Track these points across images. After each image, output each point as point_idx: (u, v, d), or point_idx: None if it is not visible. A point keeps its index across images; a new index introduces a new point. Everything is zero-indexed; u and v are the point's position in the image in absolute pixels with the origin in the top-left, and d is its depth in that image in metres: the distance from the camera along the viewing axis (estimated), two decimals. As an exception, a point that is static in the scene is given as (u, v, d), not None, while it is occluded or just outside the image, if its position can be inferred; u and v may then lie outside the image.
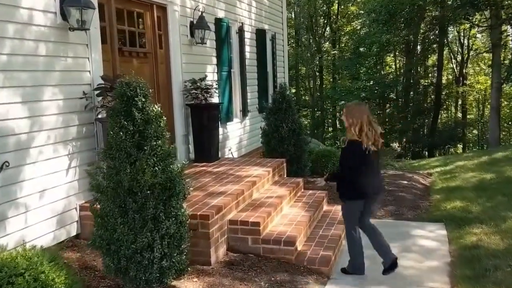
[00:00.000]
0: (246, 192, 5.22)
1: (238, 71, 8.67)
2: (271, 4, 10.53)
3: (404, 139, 24.18)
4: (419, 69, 25.66)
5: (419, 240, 5.43)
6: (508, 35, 22.23)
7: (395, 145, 22.21)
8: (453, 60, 27.45)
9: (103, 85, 4.77)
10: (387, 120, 25.91)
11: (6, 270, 2.79)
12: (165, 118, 3.63)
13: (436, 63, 24.82)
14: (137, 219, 3.38)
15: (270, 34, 10.37)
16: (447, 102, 27.45)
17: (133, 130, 3.41)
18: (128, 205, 3.39)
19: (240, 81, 8.72)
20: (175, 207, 3.51)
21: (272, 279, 4.10)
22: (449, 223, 5.86)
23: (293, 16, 27.53)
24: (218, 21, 7.71)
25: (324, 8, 28.47)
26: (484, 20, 20.00)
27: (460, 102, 27.92)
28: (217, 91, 7.37)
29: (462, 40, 26.71)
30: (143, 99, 3.48)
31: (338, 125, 27.93)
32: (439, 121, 25.17)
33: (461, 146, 26.02)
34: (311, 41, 28.55)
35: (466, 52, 26.69)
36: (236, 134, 8.51)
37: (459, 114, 27.90)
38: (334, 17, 28.72)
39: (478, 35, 26.48)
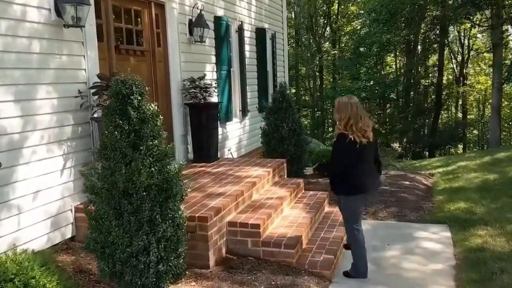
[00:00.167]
0: (245, 193, 5.10)
1: (237, 70, 8.56)
2: (271, 3, 10.41)
3: (405, 139, 24.05)
4: (419, 69, 25.53)
5: (423, 242, 5.31)
6: (509, 34, 22.11)
7: (396, 145, 22.08)
8: (453, 60, 27.34)
9: (99, 84, 4.65)
10: (387, 120, 25.81)
11: (-5, 275, 2.68)
12: (162, 117, 3.50)
13: (437, 63, 24.71)
14: (132, 221, 3.26)
15: (270, 33, 10.25)
16: (447, 103, 27.33)
17: (128, 129, 3.29)
18: (123, 207, 3.27)
19: (239, 80, 8.60)
20: (172, 209, 3.39)
21: (273, 283, 3.98)
22: (453, 225, 5.74)
23: (293, 16, 27.42)
24: (217, 20, 7.60)
25: (324, 8, 28.36)
26: (485, 20, 19.89)
27: (460, 102, 27.81)
28: (216, 90, 7.25)
29: (462, 40, 26.60)
30: (139, 97, 3.36)
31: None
32: (439, 121, 25.04)
33: (462, 146, 25.90)
34: (311, 41, 28.44)
35: (466, 52, 26.58)
36: (235, 134, 8.40)
37: (459, 114, 27.79)
38: (334, 17, 28.61)
39: (479, 35, 26.37)
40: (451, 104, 28.55)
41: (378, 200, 6.75)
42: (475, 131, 28.64)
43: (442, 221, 5.96)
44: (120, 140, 3.27)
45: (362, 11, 25.73)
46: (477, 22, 20.34)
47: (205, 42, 6.93)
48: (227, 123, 7.97)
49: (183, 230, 3.49)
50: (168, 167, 3.40)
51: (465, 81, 26.27)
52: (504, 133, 25.00)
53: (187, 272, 3.70)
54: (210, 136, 6.65)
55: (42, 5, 4.22)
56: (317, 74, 28.91)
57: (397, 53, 26.79)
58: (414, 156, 21.89)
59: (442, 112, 26.88)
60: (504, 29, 18.74)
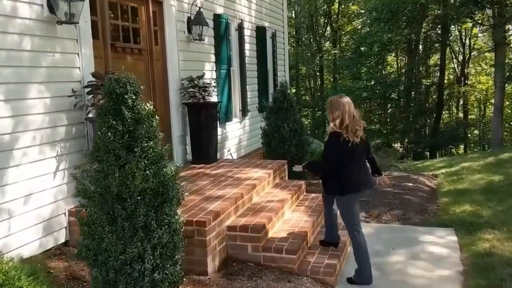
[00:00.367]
0: (245, 196, 4.93)
1: (237, 69, 8.40)
2: (271, 1, 10.24)
3: (406, 140, 23.87)
4: (420, 69, 25.34)
5: (428, 246, 5.14)
6: (512, 34, 21.93)
7: (397, 145, 21.90)
8: (454, 60, 27.16)
9: (94, 83, 4.49)
10: (388, 120, 25.63)
11: (-22, 286, 2.52)
12: (158, 118, 3.34)
13: (438, 62, 24.53)
14: (126, 227, 3.09)
15: (271, 32, 10.09)
16: (449, 103, 27.16)
17: (122, 130, 3.12)
18: (116, 212, 3.10)
19: (239, 80, 8.44)
20: (168, 214, 3.22)
21: (274, 290, 3.82)
22: (459, 228, 5.58)
23: (293, 15, 27.25)
24: (217, 17, 7.44)
25: (325, 7, 28.18)
26: (486, 19, 19.71)
27: (461, 102, 27.62)
28: (215, 89, 7.09)
29: (463, 40, 26.42)
30: (134, 97, 3.19)
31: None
32: (441, 121, 24.85)
33: (463, 146, 25.72)
34: (311, 40, 28.27)
35: (467, 51, 26.39)
36: (235, 134, 8.23)
37: (460, 114, 27.61)
38: (334, 16, 28.43)
39: (480, 35, 26.19)
40: (452, 104, 28.38)
41: (381, 203, 6.60)
42: (476, 131, 28.45)
43: (447, 224, 5.80)
44: (114, 141, 3.10)
45: (363, 11, 25.55)
46: (479, 21, 20.16)
47: (204, 40, 6.77)
48: (227, 123, 7.81)
49: (180, 236, 3.32)
50: (164, 169, 3.23)
51: (466, 81, 26.08)
52: (505, 133, 24.80)
53: (184, 280, 3.54)
54: (209, 136, 6.49)
55: (33, 0, 4.06)
56: (318, 73, 28.74)
57: (398, 53, 26.61)
58: (416, 156, 21.71)
59: (443, 112, 26.69)
60: (506, 28, 18.55)
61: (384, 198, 6.83)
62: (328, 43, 28.97)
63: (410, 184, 7.79)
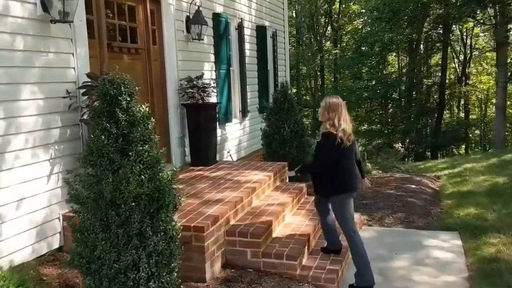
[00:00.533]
0: (245, 199, 4.81)
1: (237, 69, 8.27)
2: (271, 0, 10.10)
3: (407, 140, 23.71)
4: (422, 69, 25.18)
5: (433, 251, 5.02)
6: (514, 33, 21.76)
7: (398, 145, 21.71)
8: (455, 60, 27.01)
9: (89, 83, 4.36)
10: (389, 120, 25.46)
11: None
12: (154, 120, 3.21)
13: (440, 62, 24.37)
14: (120, 234, 2.97)
15: (271, 31, 9.96)
16: (450, 103, 27.00)
17: (116, 133, 3.00)
18: (110, 218, 2.98)
19: (239, 80, 8.31)
20: (164, 220, 3.09)
21: (274, 298, 3.70)
22: (463, 232, 5.46)
23: (294, 14, 27.11)
24: (216, 16, 7.31)
25: (325, 6, 28.02)
26: (488, 19, 19.55)
27: (462, 102, 27.46)
28: (215, 90, 6.97)
29: (464, 40, 26.26)
30: (128, 98, 3.07)
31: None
32: (442, 121, 24.68)
33: (464, 147, 25.55)
34: (312, 40, 28.12)
35: (468, 51, 26.23)
36: (235, 135, 8.11)
37: (461, 114, 27.44)
38: (335, 16, 28.29)
39: (481, 34, 26.02)
40: (453, 104, 28.22)
41: (384, 205, 6.47)
42: (477, 131, 28.27)
43: (452, 228, 5.67)
44: (107, 145, 2.98)
45: (364, 10, 25.40)
46: (481, 20, 20.00)
47: (203, 40, 6.64)
48: (226, 124, 7.69)
49: (176, 243, 3.19)
50: (160, 174, 3.11)
51: (467, 81, 25.93)
52: (506, 133, 24.63)
53: (181, 287, 3.42)
54: (208, 138, 6.36)
55: (26, -2, 3.93)
56: (318, 73, 28.60)
57: (400, 52, 26.44)
58: (417, 156, 21.55)
59: (445, 112, 26.53)
60: (508, 27, 18.40)
61: (386, 200, 6.71)
62: (329, 42, 28.83)
63: (413, 186, 7.66)
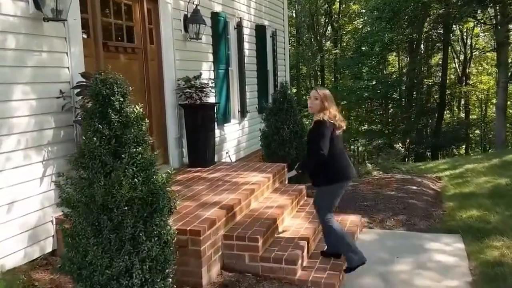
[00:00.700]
0: (243, 202, 4.70)
1: (236, 69, 8.17)
2: (271, -1, 10.02)
3: (408, 140, 23.59)
4: (422, 69, 25.07)
5: (435, 254, 4.91)
6: (515, 33, 21.65)
7: (399, 146, 21.59)
8: (456, 60, 26.91)
9: (84, 83, 4.26)
10: (390, 120, 25.36)
11: None
12: (148, 121, 3.11)
13: (440, 62, 24.26)
14: (112, 239, 2.87)
15: (271, 31, 9.86)
16: (451, 103, 26.89)
17: (109, 135, 2.91)
18: (102, 223, 2.88)
19: (238, 80, 8.21)
20: (158, 225, 3.00)
21: (272, 304, 3.60)
22: (466, 235, 5.34)
23: (294, 14, 27.02)
24: (215, 16, 7.21)
25: (326, 6, 27.94)
26: (489, 19, 19.46)
27: (463, 102, 27.35)
28: (213, 90, 6.87)
29: (465, 40, 26.15)
30: (121, 99, 2.97)
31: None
32: (442, 121, 24.57)
33: (465, 146, 25.45)
34: (312, 40, 28.04)
35: (469, 51, 26.13)
36: (233, 136, 8.00)
37: (462, 114, 27.34)
38: (335, 15, 28.20)
39: (481, 34, 25.92)
40: (454, 104, 28.11)
41: (385, 207, 6.37)
42: (477, 131, 28.17)
43: (454, 231, 5.56)
44: (100, 147, 2.89)
45: (364, 10, 25.30)
46: (482, 20, 19.91)
47: (201, 39, 6.54)
48: (225, 124, 7.59)
49: (171, 248, 3.10)
50: (154, 177, 3.01)
51: (467, 81, 25.82)
52: (507, 133, 24.52)
53: (177, 293, 3.32)
54: (206, 138, 6.26)
55: (18, -4, 3.83)
56: (319, 73, 28.52)
57: (400, 52, 26.34)
58: (417, 157, 21.45)
59: (445, 112, 26.42)
60: (509, 27, 18.30)
61: (387, 202, 6.60)
62: (329, 42, 28.74)
63: (414, 188, 7.55)
